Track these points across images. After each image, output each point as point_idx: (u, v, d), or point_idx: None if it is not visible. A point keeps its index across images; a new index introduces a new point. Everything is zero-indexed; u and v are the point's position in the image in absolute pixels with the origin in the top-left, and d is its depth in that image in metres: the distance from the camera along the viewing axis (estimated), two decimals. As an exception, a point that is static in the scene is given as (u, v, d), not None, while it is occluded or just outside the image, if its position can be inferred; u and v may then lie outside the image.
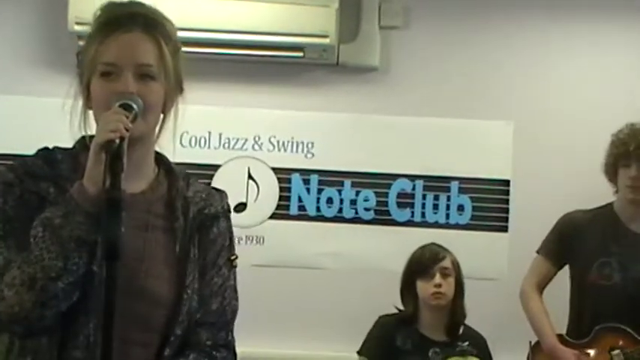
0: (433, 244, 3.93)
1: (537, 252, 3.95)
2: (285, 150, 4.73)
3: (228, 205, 1.99)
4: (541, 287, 3.93)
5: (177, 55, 1.83)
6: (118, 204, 1.62)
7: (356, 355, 3.84)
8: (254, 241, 4.68)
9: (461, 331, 3.84)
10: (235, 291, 1.98)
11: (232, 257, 1.97)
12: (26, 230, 1.73)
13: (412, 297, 3.79)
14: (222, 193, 1.99)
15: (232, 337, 1.97)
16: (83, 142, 1.81)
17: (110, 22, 1.77)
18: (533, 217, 4.46)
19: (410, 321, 3.79)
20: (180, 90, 1.85)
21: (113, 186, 1.63)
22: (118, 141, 1.63)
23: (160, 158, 1.92)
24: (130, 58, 1.75)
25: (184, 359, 1.88)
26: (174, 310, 1.84)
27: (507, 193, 4.68)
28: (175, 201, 1.88)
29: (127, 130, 1.66)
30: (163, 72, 1.78)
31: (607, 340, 3.75)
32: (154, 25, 1.78)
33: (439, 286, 3.74)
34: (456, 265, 3.84)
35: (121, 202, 1.62)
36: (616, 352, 3.72)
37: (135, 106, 1.70)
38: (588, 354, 3.78)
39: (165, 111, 1.82)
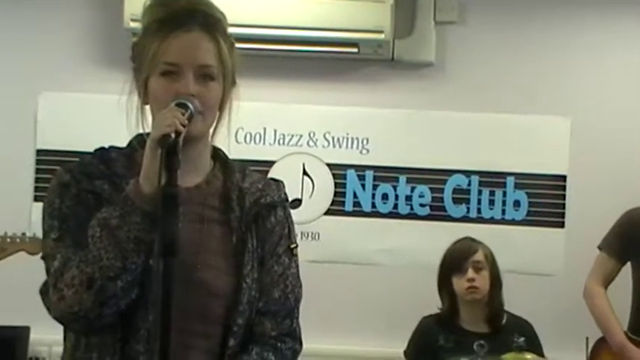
0: (466, 238, 3.97)
1: (599, 248, 3.99)
2: (340, 146, 4.74)
3: (286, 195, 2.00)
4: (605, 284, 3.96)
5: (232, 51, 1.84)
6: (175, 200, 1.63)
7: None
8: (309, 237, 4.71)
9: (505, 320, 3.87)
10: (298, 278, 1.99)
11: (292, 246, 1.97)
12: (83, 229, 1.76)
13: (449, 293, 3.84)
14: (279, 183, 2.00)
15: (297, 324, 1.98)
16: (139, 139, 1.84)
17: (170, 20, 1.78)
18: (591, 213, 4.46)
19: (450, 318, 3.84)
20: (234, 84, 1.87)
21: (169, 182, 1.65)
22: (173, 136, 1.65)
23: (216, 153, 1.93)
24: (191, 58, 1.77)
25: (247, 355, 1.89)
26: (234, 300, 1.86)
27: (564, 188, 4.66)
28: (231, 193, 1.89)
29: (184, 127, 1.68)
30: (222, 71, 1.80)
31: None
32: (212, 22, 1.80)
33: (472, 280, 3.78)
34: (489, 258, 3.87)
35: (178, 198, 1.63)
36: None
37: (190, 105, 1.73)
38: None
39: (221, 108, 1.85)
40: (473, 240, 3.94)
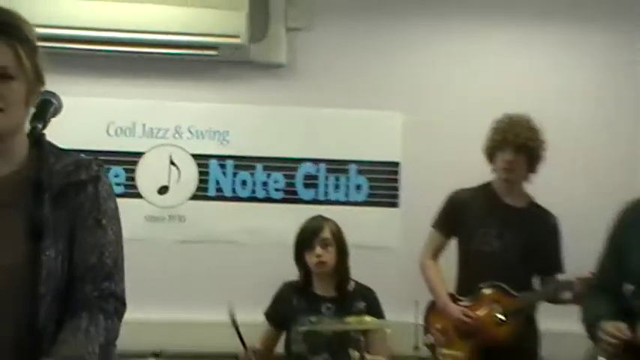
0: (317, 216, 4.45)
1: (432, 226, 4.64)
2: (202, 138, 5.22)
3: (98, 172, 2.17)
4: (436, 255, 4.66)
5: (34, 54, 2.08)
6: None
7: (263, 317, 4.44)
8: (176, 220, 5.17)
9: (352, 287, 4.42)
10: (116, 245, 2.18)
11: (100, 218, 2.14)
12: None
13: (302, 266, 4.41)
14: (91, 161, 2.18)
15: (119, 286, 2.18)
16: None
17: None
18: (421, 194, 5.14)
19: (304, 285, 4.41)
20: (42, 83, 2.11)
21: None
22: None
23: (39, 141, 2.13)
24: None
25: (78, 319, 2.07)
26: (34, 273, 2.04)
27: (397, 173, 5.34)
28: (42, 177, 2.06)
29: None
30: (22, 71, 2.04)
31: (489, 297, 4.47)
32: (9, 30, 2.03)
33: (320, 256, 4.30)
34: (336, 234, 4.37)
35: None
36: (495, 305, 4.44)
37: None
38: (473, 309, 4.47)
39: (28, 104, 2.09)
40: (322, 218, 4.41)
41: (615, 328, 3.21)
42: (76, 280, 2.11)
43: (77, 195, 2.11)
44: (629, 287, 3.34)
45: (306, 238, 4.39)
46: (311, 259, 4.36)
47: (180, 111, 5.30)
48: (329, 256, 4.36)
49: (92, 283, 2.12)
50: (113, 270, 2.16)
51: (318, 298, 4.41)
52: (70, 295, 2.10)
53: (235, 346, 4.11)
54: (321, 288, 4.42)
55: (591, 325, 3.34)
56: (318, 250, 4.33)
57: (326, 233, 4.37)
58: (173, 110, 5.30)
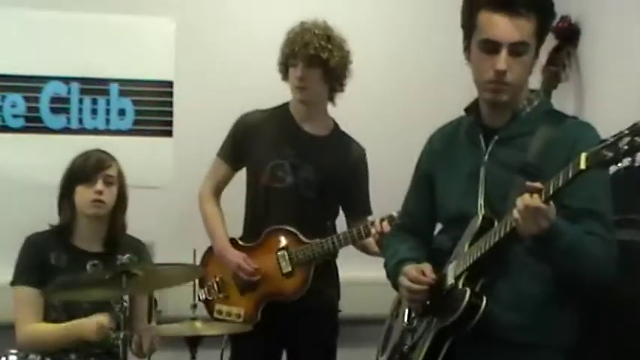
0: (98, 150, 4.23)
1: (217, 155, 4.47)
2: None
3: None
4: (219, 190, 4.50)
5: None
6: None
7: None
8: None
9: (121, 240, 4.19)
10: None
11: None
12: None
13: (70, 206, 4.12)
14: None
15: None
16: None
17: None
18: (199, 120, 5.00)
19: (64, 233, 4.13)
20: None
21: None
22: None
23: None
24: None
25: None
26: None
27: (171, 95, 5.14)
28: None
29: None
30: None
31: (275, 241, 4.34)
32: None
33: (100, 193, 4.07)
34: (121, 175, 4.20)
35: None
36: (281, 252, 4.30)
37: None
38: (256, 257, 4.33)
39: None
40: (106, 153, 4.20)
41: (418, 271, 3.23)
42: None
43: None
44: (439, 225, 3.48)
45: (87, 171, 4.15)
46: (87, 195, 4.10)
47: None
48: (109, 196, 4.15)
49: None
50: None
51: (81, 254, 4.16)
52: None
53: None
54: (86, 240, 4.18)
55: (392, 270, 3.40)
56: (100, 185, 4.10)
57: (113, 170, 4.19)
58: None
